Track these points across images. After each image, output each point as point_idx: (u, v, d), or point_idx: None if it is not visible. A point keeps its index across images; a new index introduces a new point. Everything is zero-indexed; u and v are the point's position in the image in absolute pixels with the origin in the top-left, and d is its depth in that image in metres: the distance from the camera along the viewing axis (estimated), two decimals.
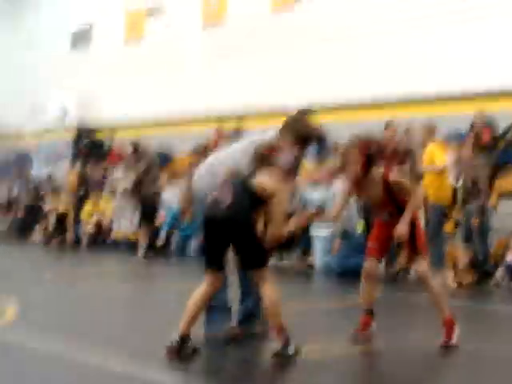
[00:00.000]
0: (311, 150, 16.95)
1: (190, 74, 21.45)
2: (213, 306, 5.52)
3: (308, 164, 16.28)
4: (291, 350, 4.79)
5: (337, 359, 5.07)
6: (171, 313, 5.14)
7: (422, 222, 5.74)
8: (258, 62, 19.12)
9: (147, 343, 5.32)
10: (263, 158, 5.09)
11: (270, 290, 4.90)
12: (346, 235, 10.32)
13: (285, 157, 5.13)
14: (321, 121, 17.32)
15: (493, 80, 15.41)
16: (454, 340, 5.36)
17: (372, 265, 5.69)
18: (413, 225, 5.49)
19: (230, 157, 5.75)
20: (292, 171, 5.26)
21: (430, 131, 10.94)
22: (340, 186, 10.17)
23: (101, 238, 15.56)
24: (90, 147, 22.83)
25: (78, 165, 21.70)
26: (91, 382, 4.34)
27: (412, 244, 5.51)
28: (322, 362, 4.90)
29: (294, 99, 18.13)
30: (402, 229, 5.41)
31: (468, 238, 10.56)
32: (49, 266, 10.02)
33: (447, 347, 5.28)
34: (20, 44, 27.19)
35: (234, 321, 5.82)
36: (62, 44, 26.10)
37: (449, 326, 5.40)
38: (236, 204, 4.84)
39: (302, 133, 5.76)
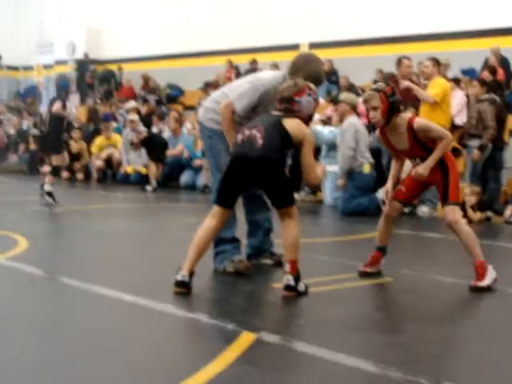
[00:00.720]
0: (322, 86, 16.98)
1: (200, 7, 21.25)
2: (221, 238, 5.58)
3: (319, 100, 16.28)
4: (301, 287, 4.83)
5: (349, 291, 5.13)
6: (181, 247, 5.16)
7: None
8: None
9: (157, 278, 5.37)
10: (290, 100, 5.02)
11: (294, 224, 4.91)
12: (351, 175, 10.25)
13: (307, 101, 5.05)
14: (332, 56, 17.39)
15: (508, 17, 15.27)
16: (486, 282, 5.30)
17: (394, 207, 5.67)
18: (445, 170, 5.42)
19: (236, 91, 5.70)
20: (312, 116, 5.19)
21: (437, 65, 10.78)
22: (349, 124, 10.21)
23: (111, 172, 15.59)
24: (99, 78, 22.88)
25: (88, 99, 21.76)
26: (108, 312, 4.40)
27: (444, 189, 5.46)
28: (334, 295, 4.97)
29: (305, 35, 18.15)
30: (422, 169, 5.38)
31: (474, 176, 10.59)
32: (57, 200, 10.03)
33: (477, 288, 5.26)
34: None
35: (243, 254, 5.88)
36: None
37: (480, 269, 5.34)
38: (269, 144, 4.80)
39: (314, 73, 5.62)
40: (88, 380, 3.18)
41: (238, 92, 5.64)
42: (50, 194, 10.22)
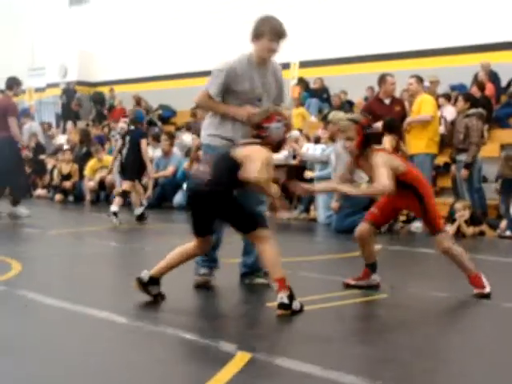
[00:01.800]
0: (314, 102, 17.05)
1: (189, 28, 21.31)
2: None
3: (310, 117, 16.34)
4: (296, 306, 4.80)
5: (345, 308, 5.12)
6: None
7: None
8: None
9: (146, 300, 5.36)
10: (259, 127, 5.10)
11: (267, 247, 4.89)
12: (345, 195, 10.23)
13: (276, 127, 5.13)
14: (322, 74, 17.43)
15: (497, 33, 15.36)
16: (488, 288, 5.47)
17: (364, 229, 5.71)
18: (420, 199, 5.47)
19: None
20: (281, 141, 5.24)
21: (420, 82, 10.86)
22: (340, 146, 10.17)
23: (104, 194, 15.56)
24: (92, 103, 22.91)
25: (79, 122, 21.78)
26: (100, 333, 4.38)
27: (427, 221, 5.55)
28: (329, 312, 4.95)
29: (295, 54, 18.19)
30: (346, 189, 5.61)
31: (463, 191, 10.65)
32: (51, 223, 10.03)
33: (483, 295, 5.42)
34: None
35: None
36: (61, 1, 25.97)
37: (477, 280, 5.48)
38: (214, 178, 4.86)
39: (276, 29, 5.84)
40: None
41: (208, 80, 5.83)
42: (115, 214, 10.61)
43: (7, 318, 4.77)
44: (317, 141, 12.33)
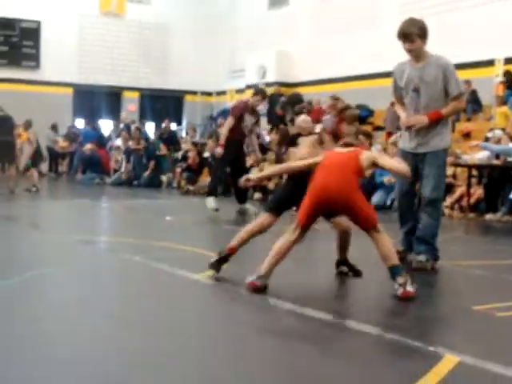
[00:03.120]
0: None
1: (384, 29, 21.07)
2: None
3: None
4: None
5: None
6: None
7: None
8: None
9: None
10: None
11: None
12: None
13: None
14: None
15: None
16: None
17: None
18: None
19: None
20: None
21: None
22: None
23: None
24: (288, 106, 23.18)
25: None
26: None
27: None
28: None
29: (501, 51, 17.47)
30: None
31: None
32: None
33: None
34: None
35: None
36: (260, 4, 26.57)
37: None
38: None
39: None
40: None
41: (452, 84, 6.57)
42: None
43: (217, 311, 4.91)
44: None
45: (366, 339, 4.14)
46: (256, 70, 25.29)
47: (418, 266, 6.33)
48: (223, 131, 11.27)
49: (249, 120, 11.14)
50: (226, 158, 11.08)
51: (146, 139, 21.40)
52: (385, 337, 4.15)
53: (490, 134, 12.52)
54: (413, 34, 6.40)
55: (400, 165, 5.41)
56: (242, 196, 11.29)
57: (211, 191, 11.21)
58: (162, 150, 20.88)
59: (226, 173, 11.80)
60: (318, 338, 4.18)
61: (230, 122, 11.04)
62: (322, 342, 4.10)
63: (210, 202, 11.03)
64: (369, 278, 6.03)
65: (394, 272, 5.20)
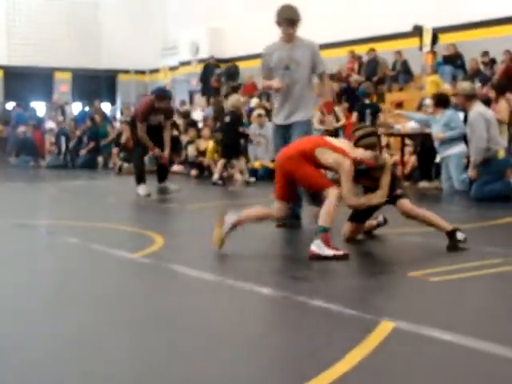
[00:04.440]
0: (448, 69, 16.64)
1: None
2: None
3: (444, 84, 15.94)
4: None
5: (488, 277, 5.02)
6: None
7: None
8: None
9: None
10: None
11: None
12: (486, 161, 9.90)
13: None
14: (456, 39, 16.96)
15: None
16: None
17: None
18: None
19: None
20: None
21: None
22: (477, 114, 9.86)
23: None
24: (224, 78, 23.11)
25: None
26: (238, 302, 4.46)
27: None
28: (471, 282, 4.87)
29: (428, 19, 17.74)
30: None
31: None
32: (189, 198, 10.27)
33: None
34: None
35: None
36: None
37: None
38: None
39: (289, 16, 7.58)
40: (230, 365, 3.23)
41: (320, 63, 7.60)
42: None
43: (156, 289, 4.94)
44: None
45: (305, 310, 4.22)
46: (189, 47, 25.16)
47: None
48: (140, 137, 11.14)
49: (154, 120, 11.08)
50: (142, 145, 11.17)
51: (92, 119, 20.95)
52: (322, 306, 4.23)
53: (427, 101, 12.67)
54: (298, 20, 7.44)
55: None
56: (162, 175, 11.43)
57: (138, 180, 11.21)
58: (110, 131, 20.55)
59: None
60: (264, 312, 4.25)
61: (141, 127, 11.00)
62: (269, 315, 4.17)
63: (141, 189, 11.04)
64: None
65: (316, 231, 5.72)
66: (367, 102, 14.07)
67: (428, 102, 12.25)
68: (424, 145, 12.33)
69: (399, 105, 16.91)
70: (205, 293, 4.75)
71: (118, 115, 25.02)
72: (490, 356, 3.29)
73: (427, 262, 5.67)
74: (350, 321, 3.94)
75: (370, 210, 6.42)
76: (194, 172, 16.10)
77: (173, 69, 26.20)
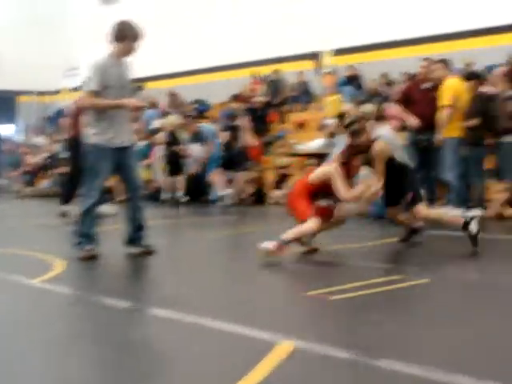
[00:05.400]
0: (348, 90, 16.97)
1: (219, 21, 21.33)
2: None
3: (345, 104, 16.24)
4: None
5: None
6: None
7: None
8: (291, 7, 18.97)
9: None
10: None
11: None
12: None
13: None
14: (356, 61, 17.33)
15: None
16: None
17: None
18: None
19: None
20: None
21: (446, 66, 10.79)
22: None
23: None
24: None
25: None
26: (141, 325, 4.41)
27: None
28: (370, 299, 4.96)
29: (327, 42, 18.12)
30: None
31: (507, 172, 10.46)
32: None
33: None
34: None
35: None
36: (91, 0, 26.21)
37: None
38: None
39: (135, 34, 7.42)
40: None
41: (85, 82, 7.07)
42: None
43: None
44: None
45: (196, 329, 4.19)
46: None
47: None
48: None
49: None
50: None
51: None
52: (215, 327, 4.21)
53: (328, 121, 12.86)
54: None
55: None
56: (68, 197, 11.25)
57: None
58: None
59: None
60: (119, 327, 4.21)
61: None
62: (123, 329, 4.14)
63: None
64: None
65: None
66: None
67: (329, 122, 12.44)
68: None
69: (301, 125, 17.13)
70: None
71: (19, 137, 24.47)
72: (388, 372, 3.35)
73: (327, 280, 5.73)
74: (246, 342, 3.93)
75: (397, 194, 7.08)
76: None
77: (74, 90, 25.79)
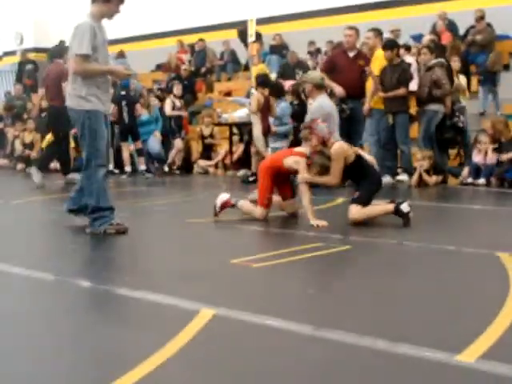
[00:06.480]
0: (274, 59, 17.01)
1: None
2: (99, 207, 6.46)
3: (271, 73, 16.26)
4: None
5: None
6: None
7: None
8: None
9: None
10: None
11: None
12: None
13: None
14: (280, 30, 17.32)
15: None
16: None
17: None
18: None
19: None
20: None
21: (378, 36, 10.93)
22: (317, 106, 9.87)
23: None
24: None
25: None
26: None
27: None
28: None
29: (253, 11, 18.03)
30: None
31: (426, 141, 10.66)
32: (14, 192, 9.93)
33: None
34: None
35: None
36: None
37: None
38: None
39: None
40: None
41: (74, 45, 6.37)
42: None
43: None
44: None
45: (124, 303, 4.17)
46: (13, 36, 24.34)
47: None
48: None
49: None
50: None
51: None
52: (136, 296, 4.20)
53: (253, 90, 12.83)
54: None
55: None
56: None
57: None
58: None
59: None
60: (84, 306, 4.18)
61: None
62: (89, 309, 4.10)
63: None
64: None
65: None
66: (123, 93, 13.74)
67: (254, 90, 12.43)
68: (251, 134, 12.53)
69: (228, 94, 17.08)
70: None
71: None
72: (300, 336, 3.39)
73: (251, 249, 5.76)
74: (168, 311, 3.92)
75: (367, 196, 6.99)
76: (20, 166, 15.64)
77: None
